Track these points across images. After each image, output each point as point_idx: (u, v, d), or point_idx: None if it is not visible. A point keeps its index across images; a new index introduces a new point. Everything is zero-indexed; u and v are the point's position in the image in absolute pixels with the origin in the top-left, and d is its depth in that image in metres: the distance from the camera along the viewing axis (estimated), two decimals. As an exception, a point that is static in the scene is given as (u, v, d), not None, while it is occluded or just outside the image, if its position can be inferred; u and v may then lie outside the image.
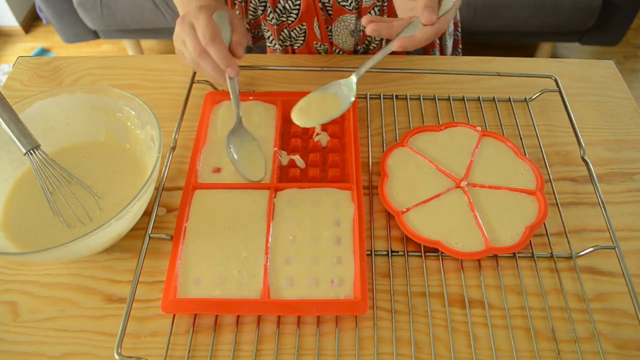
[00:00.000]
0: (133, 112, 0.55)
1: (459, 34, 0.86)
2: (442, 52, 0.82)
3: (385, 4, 0.70)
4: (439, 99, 0.65)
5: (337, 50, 0.75)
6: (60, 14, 1.77)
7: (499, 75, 0.66)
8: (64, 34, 1.87)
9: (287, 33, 0.72)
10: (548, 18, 1.68)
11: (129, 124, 0.56)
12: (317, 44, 0.73)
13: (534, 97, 0.66)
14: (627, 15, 1.68)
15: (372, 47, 0.74)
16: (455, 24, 0.85)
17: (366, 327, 0.46)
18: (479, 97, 0.65)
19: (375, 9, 0.69)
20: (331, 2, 0.69)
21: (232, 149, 0.56)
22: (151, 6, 1.72)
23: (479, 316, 0.47)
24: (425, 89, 0.67)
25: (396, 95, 0.65)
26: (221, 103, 0.62)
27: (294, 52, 0.75)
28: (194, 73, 0.65)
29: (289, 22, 0.71)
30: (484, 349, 0.45)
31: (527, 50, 2.10)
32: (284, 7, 0.69)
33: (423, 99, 0.65)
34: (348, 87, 0.53)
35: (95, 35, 1.88)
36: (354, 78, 0.53)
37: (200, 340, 0.45)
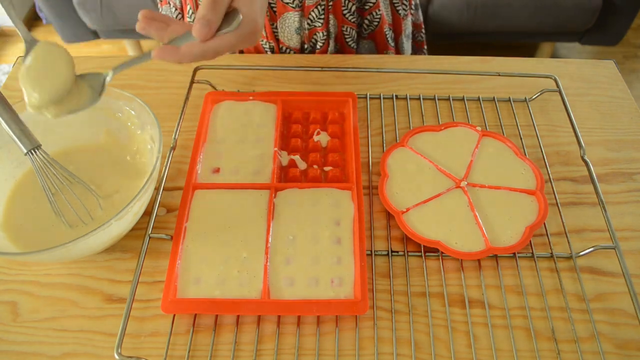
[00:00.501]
0: (133, 112, 0.55)
1: (423, 35, 0.86)
2: (399, 54, 0.81)
3: (331, 3, 0.70)
4: (439, 99, 0.65)
5: (283, 48, 0.74)
6: (60, 14, 1.77)
7: (499, 75, 0.66)
8: (64, 34, 1.87)
9: None
10: (548, 18, 1.68)
11: (129, 124, 0.56)
12: (262, 41, 0.73)
13: (534, 97, 0.66)
14: (627, 15, 1.69)
15: (318, 46, 0.74)
16: (419, 25, 0.84)
17: (366, 327, 0.46)
18: (479, 97, 0.65)
19: (319, 7, 0.69)
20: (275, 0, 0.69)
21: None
22: (151, 6, 1.72)
23: (479, 316, 0.47)
24: (425, 89, 0.67)
25: (396, 95, 0.65)
26: (221, 103, 0.62)
27: (240, 50, 0.74)
28: (194, 73, 0.65)
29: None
30: (484, 349, 0.45)
31: (527, 50, 2.10)
32: None
33: (423, 99, 0.65)
34: (96, 84, 0.46)
35: (95, 35, 1.89)
36: (108, 77, 0.46)
37: (200, 340, 0.45)
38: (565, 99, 0.62)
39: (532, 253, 0.50)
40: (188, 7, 0.71)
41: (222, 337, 0.46)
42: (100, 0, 1.70)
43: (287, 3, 0.69)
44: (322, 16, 0.70)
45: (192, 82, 0.64)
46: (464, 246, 0.49)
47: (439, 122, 0.62)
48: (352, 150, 0.56)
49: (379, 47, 0.79)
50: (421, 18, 0.85)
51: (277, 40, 0.73)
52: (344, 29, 0.74)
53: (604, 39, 1.78)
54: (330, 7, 0.70)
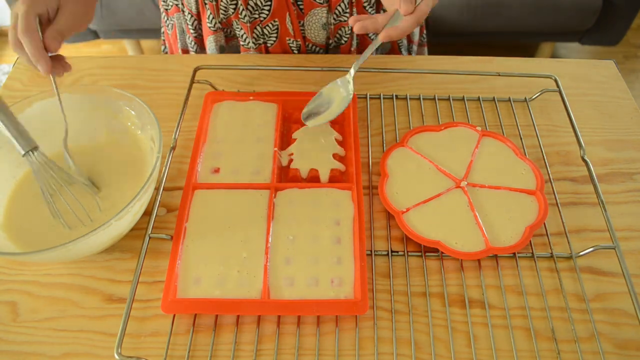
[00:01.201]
0: (133, 112, 0.55)
1: (424, 39, 0.87)
2: (410, 40, 0.82)
3: None
4: (439, 99, 0.65)
5: (310, 45, 0.75)
6: (60, 14, 1.77)
7: (499, 75, 0.66)
8: (64, 34, 1.87)
9: (260, 30, 0.72)
10: (548, 18, 1.68)
11: (129, 124, 0.56)
12: (289, 40, 0.73)
13: (534, 97, 0.66)
14: (627, 15, 1.68)
15: (343, 41, 0.75)
16: (420, 30, 0.85)
17: (366, 327, 0.46)
18: (479, 97, 0.65)
19: (345, 1, 0.70)
20: None
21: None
22: (151, 6, 1.72)
23: (479, 316, 0.47)
24: (425, 89, 0.67)
25: (396, 95, 0.65)
26: (221, 103, 0.62)
27: (267, 49, 0.75)
28: (194, 73, 0.65)
29: (261, 18, 0.71)
30: (484, 349, 0.45)
31: (527, 50, 2.10)
32: (256, 4, 0.69)
33: (423, 99, 0.65)
34: (344, 86, 0.56)
35: (95, 35, 1.88)
36: (349, 75, 0.56)
37: (200, 340, 0.45)
38: (565, 99, 0.62)
39: (532, 253, 0.50)
40: (208, 12, 0.71)
41: (222, 337, 0.46)
42: (101, 0, 1.70)
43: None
44: (348, 10, 0.71)
45: (192, 82, 0.64)
46: (464, 246, 0.49)
47: (439, 122, 0.62)
48: (352, 150, 0.56)
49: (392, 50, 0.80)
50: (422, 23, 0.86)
51: (304, 38, 0.74)
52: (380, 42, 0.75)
53: (604, 39, 1.78)
54: (354, 0, 0.71)
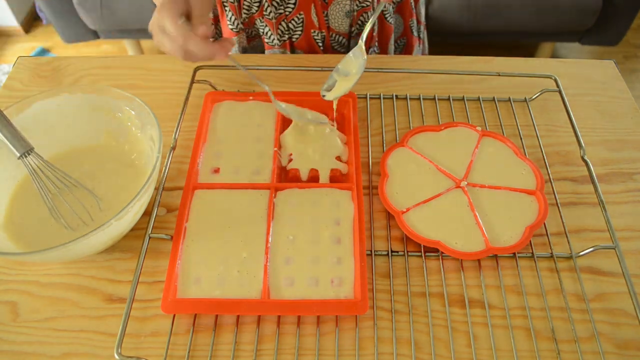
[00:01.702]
0: (133, 112, 0.55)
1: (424, 33, 0.87)
2: (418, 21, 0.83)
3: None
4: (439, 99, 0.65)
5: (333, 35, 0.75)
6: (60, 14, 1.77)
7: (499, 75, 0.66)
8: (64, 34, 1.87)
9: (285, 25, 0.72)
10: (548, 18, 1.68)
11: (129, 124, 0.56)
12: (314, 32, 0.74)
13: (534, 97, 0.66)
14: (627, 15, 1.68)
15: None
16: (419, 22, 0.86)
17: (366, 327, 0.46)
18: (479, 97, 0.65)
19: None
20: None
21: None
22: (151, 6, 1.71)
23: (479, 316, 0.47)
24: (425, 89, 0.67)
25: (396, 95, 0.65)
26: (221, 103, 0.62)
27: (292, 44, 0.75)
28: (194, 73, 0.65)
29: (287, 13, 0.71)
30: (484, 349, 0.45)
31: (527, 50, 2.10)
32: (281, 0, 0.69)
33: (423, 99, 0.65)
34: (356, 55, 0.56)
35: (95, 35, 1.88)
36: (362, 41, 0.55)
37: (200, 340, 0.45)
38: (565, 99, 0.62)
39: (532, 253, 0.50)
40: (229, 14, 0.72)
41: (222, 337, 0.46)
42: (100, 0, 1.70)
43: None
44: None
45: (192, 82, 0.64)
46: (464, 246, 0.49)
47: (439, 122, 0.62)
48: (352, 150, 0.56)
49: (405, 17, 0.80)
50: (423, 17, 0.86)
51: (328, 29, 0.74)
52: (384, 7, 0.76)
53: (604, 39, 1.78)
54: None
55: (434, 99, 0.65)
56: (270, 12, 0.70)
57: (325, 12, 0.72)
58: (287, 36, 0.74)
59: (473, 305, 0.47)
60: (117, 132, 0.57)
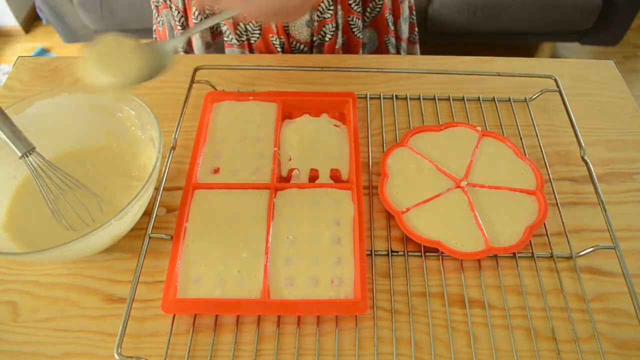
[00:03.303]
0: (133, 112, 0.55)
1: (414, 18, 0.87)
2: (398, 38, 0.82)
3: None
4: (439, 99, 0.65)
5: (294, 43, 0.74)
6: (60, 14, 1.77)
7: (499, 75, 0.66)
8: (64, 34, 1.87)
9: (242, 27, 0.72)
10: (548, 18, 1.68)
11: (129, 124, 0.56)
12: (272, 37, 0.73)
13: (534, 97, 0.66)
14: (627, 15, 1.69)
15: (327, 38, 0.74)
16: (410, 8, 0.85)
17: (366, 327, 0.46)
18: (479, 97, 0.65)
19: None
20: None
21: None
22: (150, 6, 1.72)
23: (479, 316, 0.47)
24: (425, 89, 0.67)
25: (396, 95, 0.65)
26: (221, 103, 0.62)
27: (250, 46, 0.75)
28: (194, 73, 0.65)
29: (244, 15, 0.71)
30: (484, 349, 0.45)
31: (527, 50, 2.10)
32: None
33: (423, 99, 0.65)
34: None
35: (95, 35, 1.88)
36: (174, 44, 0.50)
37: (200, 340, 0.45)
38: (565, 99, 0.62)
39: (532, 253, 0.50)
40: (193, 8, 0.71)
41: (222, 337, 0.46)
42: (100, 0, 1.70)
43: None
44: (331, 7, 0.71)
45: (192, 82, 0.64)
46: (464, 246, 0.49)
47: (439, 122, 0.62)
48: (352, 150, 0.56)
49: (380, 33, 0.79)
50: (412, 0, 0.85)
51: (288, 35, 0.73)
52: (350, 19, 0.75)
53: (604, 39, 1.78)
54: None
55: (434, 99, 0.65)
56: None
57: None
58: (245, 37, 0.74)
59: (473, 305, 0.47)
60: (117, 132, 0.57)
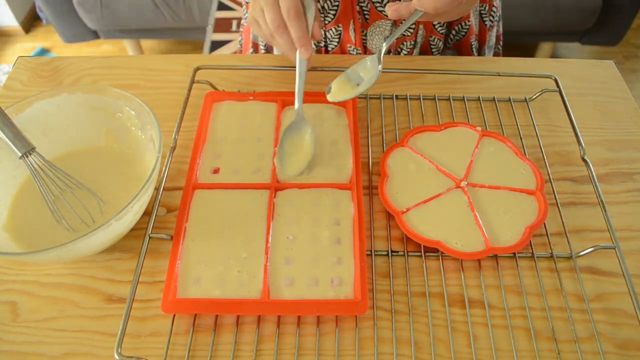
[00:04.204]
0: (133, 112, 0.55)
1: (501, 47, 0.86)
2: (481, 45, 0.80)
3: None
4: (439, 99, 0.65)
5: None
6: (60, 14, 1.77)
7: (499, 75, 0.66)
8: (64, 34, 1.87)
9: (322, 33, 0.72)
10: (548, 18, 1.68)
11: (129, 124, 0.56)
12: (350, 47, 0.74)
13: (534, 97, 0.66)
14: (627, 15, 1.69)
15: (403, 54, 0.75)
16: (499, 37, 0.84)
17: (366, 327, 0.46)
18: (479, 97, 0.65)
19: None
20: (369, 6, 0.69)
21: (283, 141, 0.55)
22: (151, 6, 1.72)
23: (479, 316, 0.47)
24: (425, 89, 0.67)
25: (396, 95, 0.65)
26: (221, 103, 0.62)
27: (327, 52, 0.75)
28: (194, 73, 0.65)
29: (326, 22, 0.71)
30: (484, 349, 0.45)
31: (527, 50, 2.10)
32: (322, 7, 0.70)
33: (423, 99, 0.65)
34: (373, 63, 0.56)
35: (95, 35, 1.89)
36: (380, 53, 0.56)
37: (200, 340, 0.45)
38: (565, 99, 0.62)
39: (532, 253, 0.50)
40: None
41: (222, 337, 0.46)
42: (100, 0, 1.70)
43: (381, 11, 0.69)
44: (413, 26, 0.71)
45: (192, 82, 0.64)
46: (464, 246, 0.49)
47: (439, 122, 0.62)
48: (352, 150, 0.56)
49: (464, 42, 0.79)
50: (501, 29, 0.85)
51: (365, 48, 0.74)
52: (431, 39, 0.75)
53: (604, 39, 1.78)
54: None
55: (434, 99, 0.65)
56: None
57: (364, 32, 0.72)
58: (323, 43, 0.74)
59: (473, 305, 0.47)
60: (117, 132, 0.57)
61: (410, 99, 0.65)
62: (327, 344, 0.45)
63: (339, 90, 0.56)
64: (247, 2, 0.79)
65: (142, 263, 0.48)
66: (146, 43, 2.18)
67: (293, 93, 0.63)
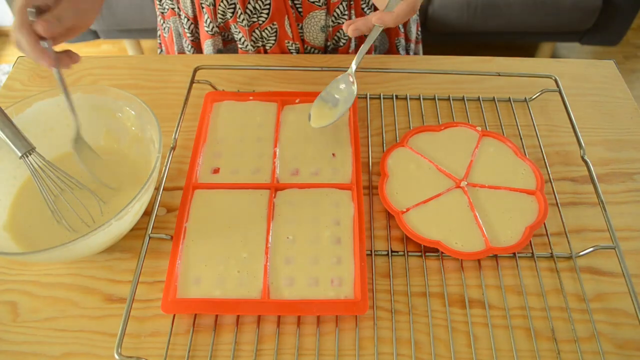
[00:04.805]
0: (133, 112, 0.55)
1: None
2: (407, 39, 0.82)
3: None
4: (439, 99, 0.65)
5: (308, 48, 0.75)
6: (60, 14, 1.77)
7: (499, 75, 0.66)
8: (64, 34, 1.87)
9: (258, 33, 0.72)
10: (548, 18, 1.68)
11: (129, 124, 0.56)
12: (288, 42, 0.73)
13: (534, 97, 0.66)
14: (627, 15, 1.69)
15: (341, 43, 0.75)
16: (416, 26, 0.85)
17: (366, 327, 0.46)
18: (479, 97, 0.65)
19: (344, 3, 0.70)
20: (301, 0, 0.69)
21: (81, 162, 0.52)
22: (151, 6, 1.72)
23: (479, 316, 0.47)
24: (425, 89, 0.67)
25: (396, 95, 0.65)
26: (221, 103, 0.62)
27: (265, 52, 0.75)
28: (194, 73, 0.65)
29: (260, 22, 0.71)
30: (484, 349, 0.45)
31: (527, 50, 2.10)
32: (254, 8, 0.69)
33: (423, 99, 0.65)
34: (346, 83, 0.57)
35: (95, 35, 1.89)
36: (351, 71, 0.56)
37: (200, 340, 0.45)
38: (565, 99, 0.62)
39: (532, 253, 0.50)
40: (205, 16, 0.71)
41: (222, 337, 0.46)
42: (100, 0, 1.70)
43: (314, 2, 0.69)
44: (346, 12, 0.71)
45: (192, 82, 0.64)
46: (464, 246, 0.49)
47: (439, 122, 0.62)
48: (352, 150, 0.56)
49: (391, 36, 0.80)
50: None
51: (303, 41, 0.74)
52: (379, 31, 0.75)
53: (604, 39, 1.78)
54: (352, 2, 0.71)
55: (434, 99, 0.65)
56: (244, 19, 0.70)
57: (300, 25, 0.72)
58: (260, 44, 0.74)
59: (473, 305, 0.47)
60: (117, 132, 0.57)
61: (410, 99, 0.65)
62: (327, 344, 0.45)
63: (318, 117, 0.57)
64: (162, 13, 0.79)
65: (142, 263, 0.47)
66: (146, 43, 2.17)
67: (293, 93, 0.63)
